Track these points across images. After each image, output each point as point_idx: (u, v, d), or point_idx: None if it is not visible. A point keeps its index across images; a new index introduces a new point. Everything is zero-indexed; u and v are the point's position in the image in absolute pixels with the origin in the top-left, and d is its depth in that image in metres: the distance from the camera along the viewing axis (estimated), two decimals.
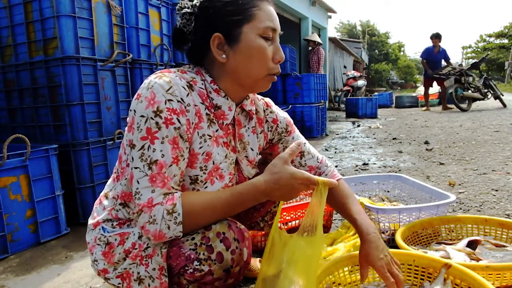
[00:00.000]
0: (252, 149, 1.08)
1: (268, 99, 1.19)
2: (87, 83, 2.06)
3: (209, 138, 0.93)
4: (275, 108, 1.17)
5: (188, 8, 0.93)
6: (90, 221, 1.02)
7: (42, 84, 2.08)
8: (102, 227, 0.97)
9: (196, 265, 0.84)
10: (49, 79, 2.06)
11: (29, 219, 1.80)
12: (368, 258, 0.99)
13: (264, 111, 1.13)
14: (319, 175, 1.17)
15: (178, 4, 0.95)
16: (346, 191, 1.13)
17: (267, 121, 1.13)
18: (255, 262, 1.41)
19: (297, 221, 1.72)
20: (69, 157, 2.04)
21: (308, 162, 1.17)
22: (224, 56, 0.91)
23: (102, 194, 1.05)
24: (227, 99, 0.96)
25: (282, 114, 1.18)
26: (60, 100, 2.04)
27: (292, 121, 1.21)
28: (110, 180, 1.05)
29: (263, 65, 0.93)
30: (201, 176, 0.92)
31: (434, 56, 8.54)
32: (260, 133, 1.12)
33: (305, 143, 1.18)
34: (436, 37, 8.41)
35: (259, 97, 1.16)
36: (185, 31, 0.94)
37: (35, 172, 1.82)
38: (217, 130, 0.96)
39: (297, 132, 1.21)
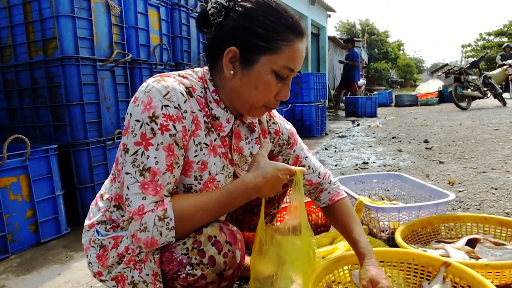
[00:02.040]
0: None
1: None
2: (86, 83, 2.06)
3: (206, 147, 0.91)
4: (278, 118, 1.15)
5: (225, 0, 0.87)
6: (86, 222, 1.02)
7: (41, 84, 2.08)
8: (96, 230, 0.97)
9: (189, 270, 0.83)
10: (49, 79, 2.06)
11: (29, 219, 1.80)
12: (374, 280, 0.98)
13: (267, 121, 1.11)
14: (320, 191, 1.17)
15: None
16: (350, 211, 1.14)
17: (269, 132, 1.11)
18: None
19: None
20: (69, 157, 2.04)
21: (307, 176, 1.15)
22: (232, 72, 0.88)
23: (98, 194, 1.05)
24: (226, 111, 0.94)
25: (285, 126, 1.15)
26: (60, 100, 2.04)
27: (295, 132, 1.18)
28: (107, 181, 1.04)
29: (263, 98, 0.90)
30: (196, 186, 0.91)
31: None
32: None
33: (307, 157, 1.16)
34: (345, 42, 9.29)
35: None
36: (211, 20, 0.88)
37: (35, 172, 1.82)
38: (215, 139, 0.94)
39: (299, 144, 1.17)
